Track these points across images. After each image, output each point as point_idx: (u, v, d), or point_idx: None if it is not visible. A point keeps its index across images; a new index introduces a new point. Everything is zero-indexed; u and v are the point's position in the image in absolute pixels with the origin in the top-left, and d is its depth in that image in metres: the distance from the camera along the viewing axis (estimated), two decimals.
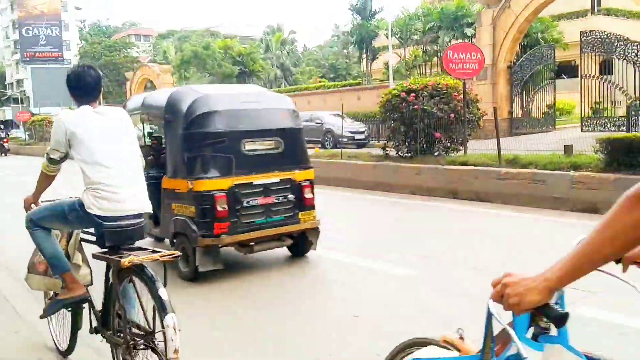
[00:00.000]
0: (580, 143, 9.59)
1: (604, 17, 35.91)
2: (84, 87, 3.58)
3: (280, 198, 6.03)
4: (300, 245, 6.48)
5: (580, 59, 21.55)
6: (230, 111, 5.93)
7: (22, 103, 74.62)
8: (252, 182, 5.85)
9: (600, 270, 1.42)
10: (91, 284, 3.82)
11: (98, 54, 77.86)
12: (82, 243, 3.82)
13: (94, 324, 3.67)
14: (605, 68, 22.96)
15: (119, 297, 3.38)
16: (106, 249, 3.46)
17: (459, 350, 1.73)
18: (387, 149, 13.21)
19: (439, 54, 30.63)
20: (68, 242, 3.79)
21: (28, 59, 79.09)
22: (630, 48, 19.60)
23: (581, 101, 22.25)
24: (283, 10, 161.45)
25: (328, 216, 7.15)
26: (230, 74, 44.70)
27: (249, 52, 47.70)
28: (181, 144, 5.82)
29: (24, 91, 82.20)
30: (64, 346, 4.00)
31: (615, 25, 35.16)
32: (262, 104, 6.33)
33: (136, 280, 3.28)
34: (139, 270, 3.23)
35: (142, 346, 3.31)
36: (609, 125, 20.69)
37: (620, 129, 19.57)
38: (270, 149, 6.12)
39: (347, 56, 75.16)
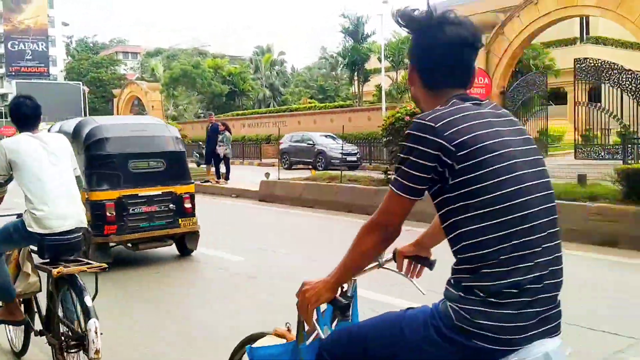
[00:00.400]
0: (577, 171, 9.29)
1: (592, 46, 36.32)
2: (22, 116, 3.97)
3: (162, 207, 7.46)
4: (183, 245, 7.91)
5: (575, 86, 21.63)
6: (119, 138, 7.41)
7: (5, 117, 73.57)
8: (137, 194, 7.28)
9: (385, 268, 2.24)
10: (40, 290, 4.21)
11: (84, 70, 77.53)
12: (32, 253, 4.22)
13: (40, 327, 4.12)
14: (594, 96, 23.16)
15: (57, 302, 3.81)
16: (47, 260, 3.89)
17: (286, 339, 2.16)
18: (388, 172, 12.95)
19: None
20: (19, 252, 4.22)
21: (13, 73, 78.29)
22: (625, 76, 19.72)
23: (575, 128, 22.29)
24: (272, 31, 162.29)
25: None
26: (220, 93, 44.44)
27: (239, 72, 47.52)
28: (82, 163, 6.88)
29: (7, 105, 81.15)
30: (18, 347, 4.44)
31: (603, 53, 35.57)
32: (149, 132, 7.84)
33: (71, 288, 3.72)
34: (71, 279, 3.65)
35: (74, 348, 3.71)
36: (603, 153, 20.72)
37: (615, 157, 19.60)
38: (154, 167, 7.58)
39: (336, 78, 75.57)
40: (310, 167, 25.11)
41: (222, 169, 16.77)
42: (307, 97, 49.17)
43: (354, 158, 25.04)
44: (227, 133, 15.93)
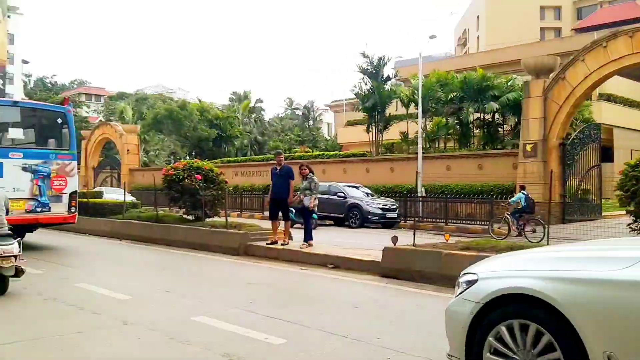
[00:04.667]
0: None
1: (605, 103, 34.82)
2: None
3: None
4: None
5: None
6: None
7: None
8: None
9: None
10: None
11: None
12: None
13: None
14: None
15: None
16: None
17: None
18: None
19: (463, 126, 27.91)
20: None
21: None
22: None
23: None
24: (236, 77, 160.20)
25: None
26: (207, 137, 40.69)
27: (226, 116, 43.98)
28: None
29: None
30: None
31: (616, 111, 34.18)
32: None
33: None
34: None
35: None
36: None
37: None
38: None
39: (309, 128, 73.22)
40: (344, 223, 21.59)
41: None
42: (305, 146, 45.90)
43: (393, 214, 21.73)
44: (315, 178, 11.91)
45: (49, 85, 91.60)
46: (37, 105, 16.29)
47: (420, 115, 24.46)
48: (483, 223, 20.21)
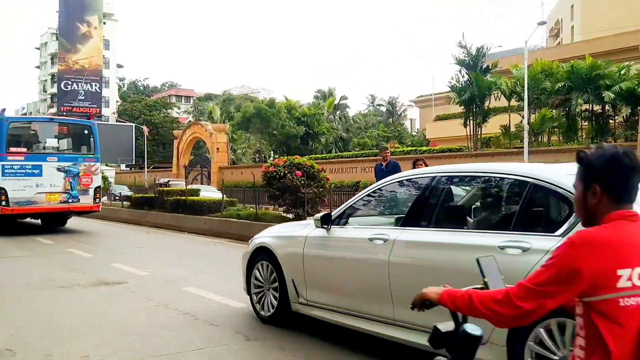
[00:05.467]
0: None
1: None
2: None
3: None
4: None
5: None
6: None
7: None
8: None
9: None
10: None
11: (137, 112, 75.27)
12: None
13: None
14: None
15: None
16: None
17: None
18: None
19: (570, 118, 25.89)
20: None
21: (65, 113, 76.27)
22: None
23: None
24: (319, 73, 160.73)
25: None
26: (295, 134, 40.36)
27: (313, 113, 43.51)
28: None
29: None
30: None
31: None
32: None
33: None
34: None
35: None
36: None
37: None
38: None
39: (393, 124, 71.75)
40: None
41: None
42: (394, 142, 44.76)
43: None
44: None
45: (141, 88, 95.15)
46: (69, 121, 20.59)
47: (526, 106, 22.81)
48: None
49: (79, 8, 76.81)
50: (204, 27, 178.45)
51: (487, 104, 28.62)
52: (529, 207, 4.15)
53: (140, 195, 24.35)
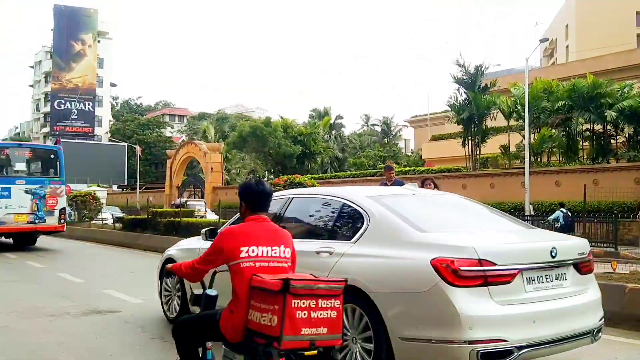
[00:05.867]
0: None
1: None
2: None
3: None
4: None
5: None
6: None
7: None
8: None
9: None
10: None
11: (129, 131, 74.78)
12: None
13: None
14: None
15: None
16: None
17: None
18: None
19: (571, 137, 25.60)
20: None
21: (57, 132, 75.68)
22: None
23: None
24: (313, 94, 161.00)
25: None
26: (292, 154, 39.90)
27: (310, 132, 43.13)
28: None
29: None
30: None
31: None
32: None
33: None
34: None
35: None
36: None
37: None
38: None
39: (389, 144, 71.48)
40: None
41: None
42: (391, 162, 44.31)
43: None
44: None
45: (135, 107, 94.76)
46: (36, 146, 22.73)
47: (527, 125, 22.45)
48: (605, 245, 17.95)
49: (73, 26, 76.67)
50: (198, 45, 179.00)
51: (485, 123, 28.32)
52: (338, 221, 5.29)
53: (132, 217, 23.71)
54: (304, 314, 3.05)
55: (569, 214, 17.62)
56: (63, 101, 76.39)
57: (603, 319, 4.78)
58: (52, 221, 16.89)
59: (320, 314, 3.11)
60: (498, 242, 4.55)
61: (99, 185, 59.22)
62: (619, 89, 24.68)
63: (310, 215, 5.74)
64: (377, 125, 79.78)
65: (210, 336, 3.52)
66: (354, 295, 4.27)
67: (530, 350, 4.09)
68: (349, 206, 5.10)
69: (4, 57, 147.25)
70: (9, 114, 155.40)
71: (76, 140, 73.78)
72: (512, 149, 27.22)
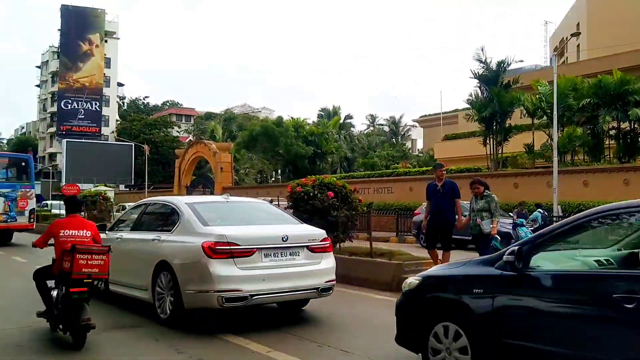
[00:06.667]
0: None
1: None
2: None
3: None
4: None
5: None
6: None
7: (52, 178, 69.71)
8: None
9: None
10: None
11: (136, 131, 74.13)
12: None
13: None
14: None
15: None
16: None
17: None
18: None
19: (597, 136, 24.71)
20: None
21: (64, 132, 75.14)
22: None
23: None
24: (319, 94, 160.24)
25: None
26: (303, 154, 39.07)
27: (322, 132, 42.29)
28: None
29: (55, 165, 77.68)
30: None
31: None
32: None
33: None
34: None
35: None
36: None
37: None
38: None
39: (398, 144, 70.59)
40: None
41: None
42: (406, 162, 43.50)
43: None
44: (494, 196, 9.48)
45: (142, 106, 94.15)
46: (8, 155, 26.90)
47: (555, 123, 21.52)
48: None
49: (81, 26, 76.12)
50: (204, 45, 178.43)
51: (508, 121, 27.40)
52: (167, 219, 7.79)
53: None
54: (84, 262, 5.81)
55: (546, 214, 18.48)
56: (70, 101, 75.84)
57: (332, 282, 7.34)
58: (22, 220, 19.23)
59: (94, 262, 5.87)
60: (245, 232, 6.95)
61: (105, 185, 58.50)
62: None
63: (153, 214, 8.51)
64: (385, 125, 78.96)
65: (48, 276, 6.43)
66: (165, 267, 6.98)
67: (260, 297, 6.67)
68: (173, 209, 7.68)
69: (11, 57, 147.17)
70: (15, 114, 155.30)
71: (83, 140, 73.27)
72: (537, 148, 26.30)
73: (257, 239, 6.78)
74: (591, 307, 3.78)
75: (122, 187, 69.23)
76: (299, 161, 39.81)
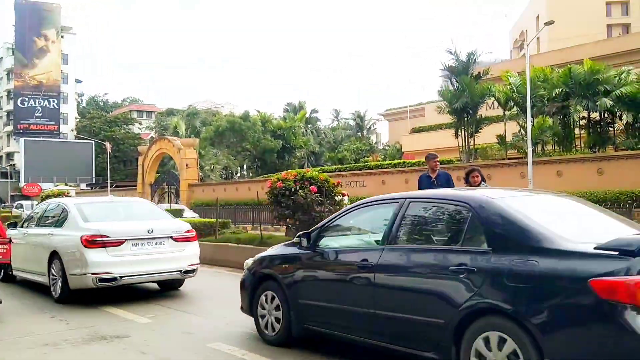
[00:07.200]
0: None
1: None
2: None
3: None
4: None
5: None
6: None
7: (10, 178, 67.37)
8: None
9: None
10: None
11: (97, 129, 72.17)
12: None
13: None
14: None
15: None
16: None
17: None
18: None
19: (567, 126, 24.83)
20: None
21: (21, 131, 72.68)
22: None
23: None
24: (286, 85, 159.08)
25: None
26: (272, 148, 38.40)
27: (290, 126, 41.67)
28: None
29: (13, 165, 75.08)
30: None
31: None
32: None
33: None
34: None
35: None
36: None
37: None
38: None
39: (363, 138, 70.52)
40: None
41: None
42: (376, 155, 43.24)
43: None
44: (489, 187, 9.17)
45: (101, 103, 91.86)
46: None
47: (529, 113, 21.46)
48: None
49: (36, 21, 73.63)
50: (164, 40, 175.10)
51: (479, 112, 27.33)
52: (60, 216, 9.32)
53: None
54: None
55: None
56: (27, 98, 73.38)
57: (195, 265, 8.97)
58: None
59: None
60: (116, 227, 8.50)
61: (66, 184, 56.65)
62: (616, 74, 23.95)
63: (51, 213, 9.77)
64: (350, 119, 78.79)
65: None
66: (56, 256, 8.55)
67: (128, 278, 8.31)
68: (64, 208, 9.17)
69: None
70: None
71: (41, 139, 71.04)
72: (508, 139, 26.27)
73: (126, 232, 8.39)
74: (344, 273, 5.22)
75: (83, 186, 67.28)
76: (267, 156, 39.17)
